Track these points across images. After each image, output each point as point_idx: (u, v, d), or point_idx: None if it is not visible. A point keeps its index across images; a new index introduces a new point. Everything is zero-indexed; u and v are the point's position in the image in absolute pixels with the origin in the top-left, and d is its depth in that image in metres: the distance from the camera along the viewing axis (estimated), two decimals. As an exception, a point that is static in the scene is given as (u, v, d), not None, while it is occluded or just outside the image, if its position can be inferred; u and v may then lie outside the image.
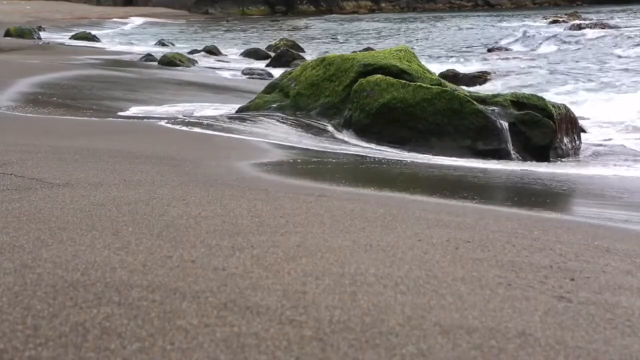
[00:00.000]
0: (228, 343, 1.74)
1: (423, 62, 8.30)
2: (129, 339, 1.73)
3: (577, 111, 7.68)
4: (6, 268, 2.19)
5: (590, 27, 23.62)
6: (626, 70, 15.13)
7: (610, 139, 7.97)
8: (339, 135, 7.05)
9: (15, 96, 8.53)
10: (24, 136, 5.41)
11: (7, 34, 23.97)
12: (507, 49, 20.86)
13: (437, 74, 8.36)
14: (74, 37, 25.44)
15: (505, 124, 6.62)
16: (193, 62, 16.89)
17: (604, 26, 23.87)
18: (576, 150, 7.07)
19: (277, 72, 12.51)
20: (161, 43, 23.71)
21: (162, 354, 1.67)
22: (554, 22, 28.16)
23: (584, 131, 7.80)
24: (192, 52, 19.77)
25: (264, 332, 1.81)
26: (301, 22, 43.41)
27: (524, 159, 6.54)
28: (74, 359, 1.63)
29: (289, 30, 36.20)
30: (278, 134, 6.79)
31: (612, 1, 50.39)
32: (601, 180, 5.59)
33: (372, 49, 15.61)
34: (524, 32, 23.50)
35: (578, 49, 19.88)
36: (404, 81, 7.00)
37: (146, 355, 1.66)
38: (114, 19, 44.73)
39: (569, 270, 2.51)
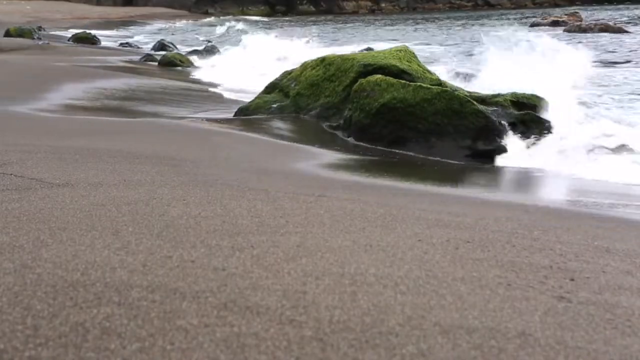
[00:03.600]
0: (228, 343, 1.74)
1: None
2: (129, 339, 1.73)
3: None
4: (6, 268, 2.20)
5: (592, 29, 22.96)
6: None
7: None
8: (338, 135, 7.05)
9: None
10: (24, 136, 5.41)
11: (7, 34, 23.95)
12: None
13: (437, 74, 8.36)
14: (74, 37, 25.43)
15: (505, 124, 6.62)
16: (192, 62, 16.87)
17: (606, 28, 23.03)
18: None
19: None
20: (161, 44, 23.70)
21: (162, 354, 1.67)
22: (555, 22, 27.99)
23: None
24: (191, 53, 19.73)
25: (264, 332, 1.81)
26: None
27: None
28: (74, 359, 1.63)
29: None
30: (277, 133, 6.79)
31: (612, 1, 50.37)
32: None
33: (372, 49, 15.61)
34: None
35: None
36: (404, 81, 6.99)
37: (146, 355, 1.66)
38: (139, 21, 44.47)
39: (569, 270, 2.51)
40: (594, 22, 24.51)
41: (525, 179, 5.66)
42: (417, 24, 36.54)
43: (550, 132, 6.63)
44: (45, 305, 1.91)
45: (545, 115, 6.78)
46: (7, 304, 1.91)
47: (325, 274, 2.28)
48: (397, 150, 6.58)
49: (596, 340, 1.89)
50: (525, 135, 6.58)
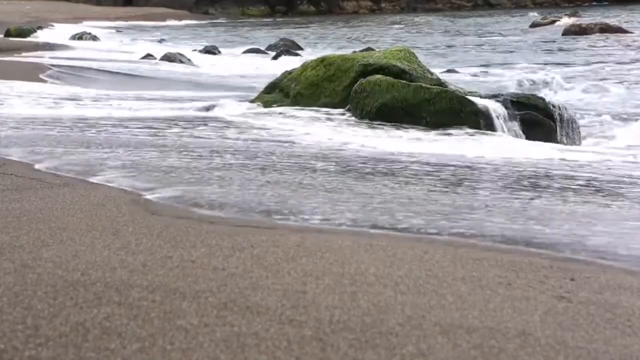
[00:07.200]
0: (228, 343, 1.74)
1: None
2: (129, 339, 1.73)
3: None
4: (6, 268, 2.20)
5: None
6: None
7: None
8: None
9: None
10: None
11: (7, 34, 23.96)
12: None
13: (437, 74, 8.36)
14: (74, 37, 25.43)
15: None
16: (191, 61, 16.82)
17: (607, 28, 22.48)
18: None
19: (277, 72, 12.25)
20: (160, 42, 23.70)
21: (162, 354, 1.67)
22: (555, 22, 27.86)
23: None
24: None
25: (264, 332, 1.81)
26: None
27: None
28: (74, 359, 1.63)
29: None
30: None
31: (613, 1, 50.32)
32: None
33: (372, 49, 15.62)
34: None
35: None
36: (404, 81, 7.00)
37: (146, 355, 1.66)
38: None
39: (569, 270, 2.51)
40: (594, 22, 24.39)
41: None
42: (417, 23, 36.52)
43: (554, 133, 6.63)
44: (45, 305, 1.91)
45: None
46: (7, 304, 1.91)
47: (325, 273, 2.28)
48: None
49: (596, 340, 1.88)
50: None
